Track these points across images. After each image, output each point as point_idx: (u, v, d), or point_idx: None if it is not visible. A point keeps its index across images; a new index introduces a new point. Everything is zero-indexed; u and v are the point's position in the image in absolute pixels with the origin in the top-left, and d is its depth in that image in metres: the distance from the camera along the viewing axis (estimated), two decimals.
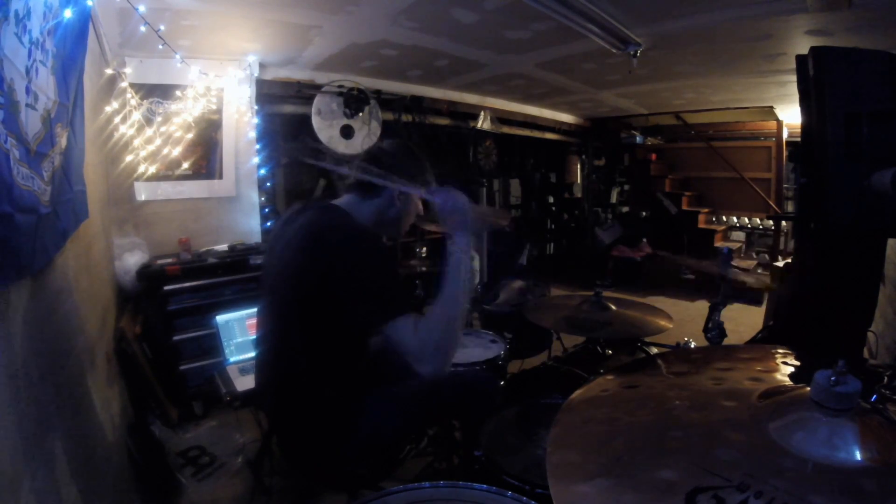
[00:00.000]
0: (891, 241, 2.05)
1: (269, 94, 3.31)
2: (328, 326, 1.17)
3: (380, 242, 1.32)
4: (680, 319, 1.59)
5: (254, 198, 3.23)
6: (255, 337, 1.41)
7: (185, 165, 2.91)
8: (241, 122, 3.11)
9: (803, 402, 0.66)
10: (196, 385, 2.58)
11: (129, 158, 2.68)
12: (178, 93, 2.81)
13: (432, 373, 1.08)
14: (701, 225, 5.82)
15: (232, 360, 2.08)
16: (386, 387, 1.33)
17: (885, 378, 0.77)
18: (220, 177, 3.09)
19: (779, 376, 0.83)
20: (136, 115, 2.66)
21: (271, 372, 1.31)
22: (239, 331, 2.12)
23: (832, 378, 0.63)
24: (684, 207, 5.91)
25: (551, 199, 6.85)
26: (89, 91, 1.75)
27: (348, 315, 1.13)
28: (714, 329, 1.56)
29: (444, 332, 1.10)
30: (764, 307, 3.46)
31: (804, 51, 1.60)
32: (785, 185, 5.42)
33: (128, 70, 2.57)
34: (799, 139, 1.80)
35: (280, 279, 1.25)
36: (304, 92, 3.40)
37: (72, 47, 1.29)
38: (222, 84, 2.99)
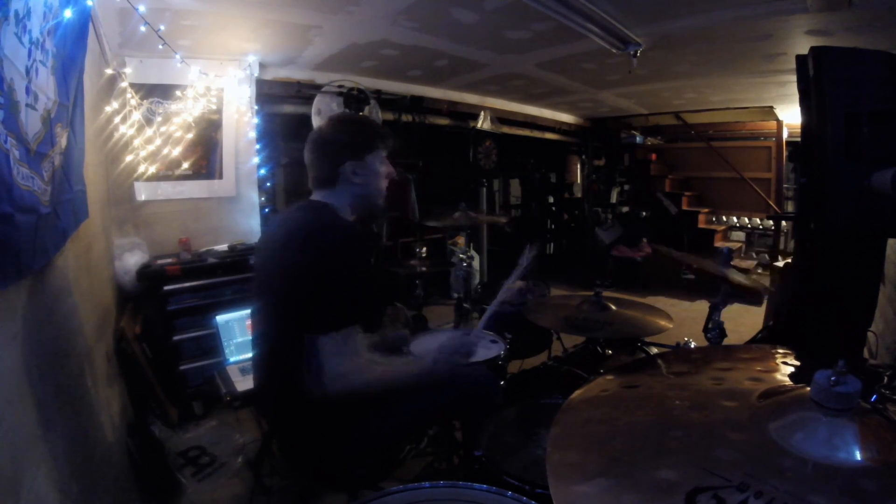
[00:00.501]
0: (891, 241, 2.05)
1: (269, 94, 3.31)
2: (323, 325, 1.17)
3: (363, 238, 1.31)
4: (680, 319, 1.59)
5: (254, 198, 3.23)
6: (251, 338, 1.41)
7: (185, 165, 2.91)
8: (241, 122, 3.11)
9: (803, 402, 0.66)
10: (196, 385, 2.58)
11: (129, 158, 2.68)
12: (178, 93, 2.81)
13: (317, 393, 1.11)
14: (701, 225, 5.83)
15: (232, 360, 2.08)
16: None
17: (885, 378, 0.77)
18: (220, 177, 3.09)
19: (779, 376, 0.83)
20: (136, 115, 2.66)
21: (269, 373, 1.31)
22: (239, 331, 2.12)
23: (832, 378, 0.63)
24: (684, 207, 5.91)
25: (551, 199, 6.85)
26: (89, 91, 1.75)
27: (346, 313, 1.14)
28: (714, 329, 1.56)
29: (373, 385, 1.17)
30: (764, 307, 3.46)
31: (804, 51, 1.60)
32: (785, 185, 5.42)
33: (128, 70, 2.57)
34: (799, 139, 1.80)
35: (272, 280, 1.25)
36: (304, 92, 3.40)
37: (72, 47, 1.29)
38: (222, 84, 2.99)
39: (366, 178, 1.32)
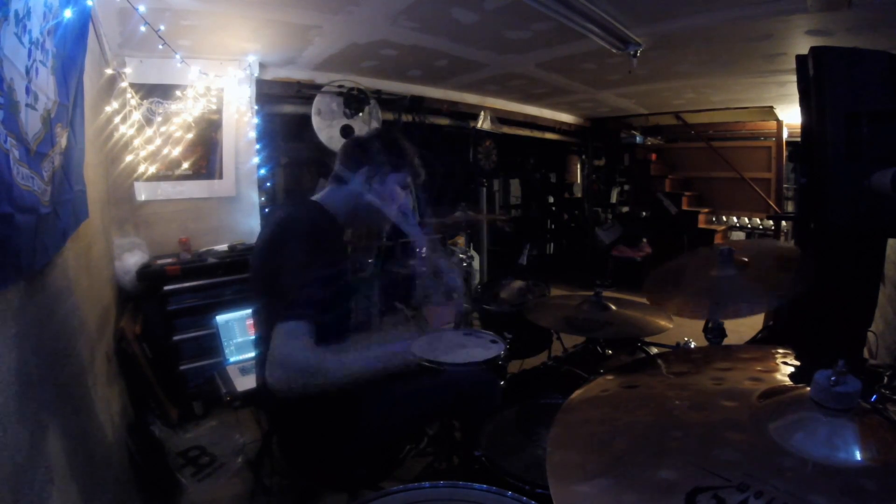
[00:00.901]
0: (891, 241, 2.05)
1: (269, 94, 3.31)
2: (279, 315, 1.12)
3: (326, 237, 1.23)
4: (680, 319, 1.59)
5: (254, 198, 3.23)
6: (254, 337, 1.41)
7: (185, 165, 2.91)
8: (241, 122, 3.11)
9: (803, 402, 0.66)
10: (196, 385, 2.58)
11: (129, 158, 2.68)
12: (178, 93, 2.81)
13: (274, 386, 1.03)
14: (701, 225, 5.82)
15: (232, 360, 2.08)
16: (385, 386, 1.33)
17: (885, 378, 0.77)
18: (220, 177, 3.09)
19: (779, 376, 0.83)
20: (136, 115, 2.66)
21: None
22: (239, 331, 2.13)
23: (832, 378, 0.63)
24: (684, 207, 5.91)
25: (551, 199, 6.85)
26: (89, 91, 1.75)
27: (301, 304, 1.08)
28: (714, 329, 1.56)
29: (325, 375, 1.06)
30: None
31: (804, 51, 1.60)
32: (785, 185, 5.41)
33: (128, 70, 2.57)
34: (799, 139, 1.80)
35: (261, 281, 1.25)
36: (304, 92, 3.40)
37: (72, 47, 1.29)
38: (222, 84, 2.99)
39: (381, 193, 1.35)
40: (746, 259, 1.46)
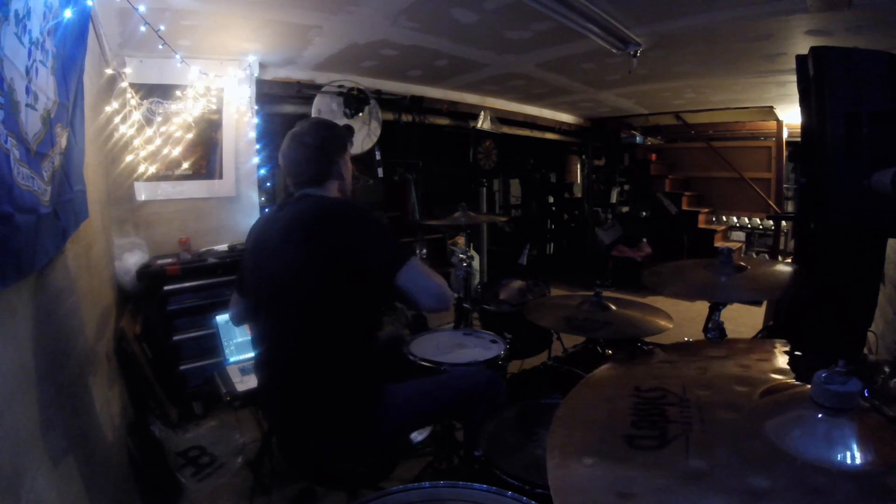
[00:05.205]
0: (891, 241, 2.05)
1: (269, 94, 3.31)
2: (346, 312, 1.21)
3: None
4: (680, 319, 1.59)
5: (254, 198, 3.23)
6: (252, 337, 1.42)
7: (185, 165, 2.91)
8: (241, 122, 3.11)
9: (803, 401, 0.66)
10: (196, 385, 2.58)
11: (129, 158, 2.68)
12: (178, 93, 2.81)
13: (440, 308, 1.25)
14: (701, 225, 5.83)
15: (232, 360, 2.08)
16: (389, 386, 1.33)
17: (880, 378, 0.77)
18: (220, 177, 3.09)
19: (784, 375, 0.83)
20: (136, 115, 2.66)
21: (276, 371, 1.31)
22: (239, 331, 2.12)
23: (832, 378, 0.63)
24: (684, 207, 5.91)
25: (551, 199, 6.85)
26: (89, 91, 1.75)
27: (374, 274, 1.21)
28: (714, 329, 1.56)
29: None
30: (764, 307, 3.46)
31: (804, 51, 1.60)
32: (785, 185, 5.42)
33: (128, 70, 2.57)
34: (799, 139, 1.80)
35: (288, 276, 1.24)
36: (304, 92, 3.40)
37: (72, 47, 1.29)
38: (222, 84, 2.99)
39: (347, 173, 1.46)
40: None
